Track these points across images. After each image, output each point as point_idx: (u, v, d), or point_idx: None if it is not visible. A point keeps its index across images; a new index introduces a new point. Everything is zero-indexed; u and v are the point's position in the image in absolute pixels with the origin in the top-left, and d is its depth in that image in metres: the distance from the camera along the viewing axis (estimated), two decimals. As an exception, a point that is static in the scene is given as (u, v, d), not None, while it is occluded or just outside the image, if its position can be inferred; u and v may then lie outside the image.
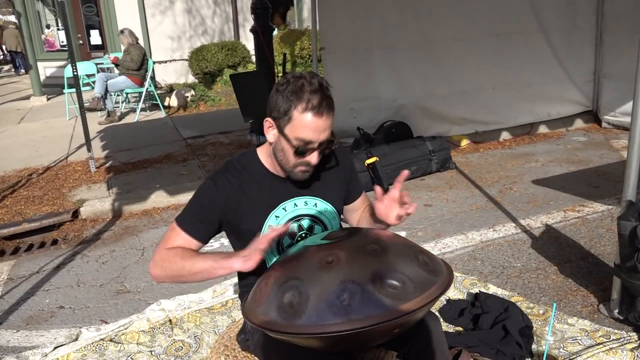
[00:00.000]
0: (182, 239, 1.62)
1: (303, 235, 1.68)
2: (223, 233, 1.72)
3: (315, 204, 1.70)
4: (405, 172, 1.59)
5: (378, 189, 1.62)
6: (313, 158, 1.57)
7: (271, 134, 1.60)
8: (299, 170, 1.60)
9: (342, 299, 1.24)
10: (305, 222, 1.68)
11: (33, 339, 2.73)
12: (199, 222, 1.63)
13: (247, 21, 11.10)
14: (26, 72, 14.14)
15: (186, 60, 10.82)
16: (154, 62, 9.53)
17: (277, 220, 1.65)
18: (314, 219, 1.70)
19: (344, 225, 1.80)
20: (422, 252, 1.43)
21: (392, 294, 1.25)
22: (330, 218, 1.73)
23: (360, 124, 5.00)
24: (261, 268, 1.62)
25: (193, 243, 1.63)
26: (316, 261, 1.35)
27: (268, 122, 1.59)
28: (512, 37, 5.70)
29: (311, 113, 1.50)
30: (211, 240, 1.73)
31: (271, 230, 1.49)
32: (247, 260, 1.47)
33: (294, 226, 1.67)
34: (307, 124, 1.51)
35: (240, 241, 1.63)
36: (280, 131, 1.55)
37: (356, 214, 1.89)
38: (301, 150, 1.55)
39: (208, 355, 2.42)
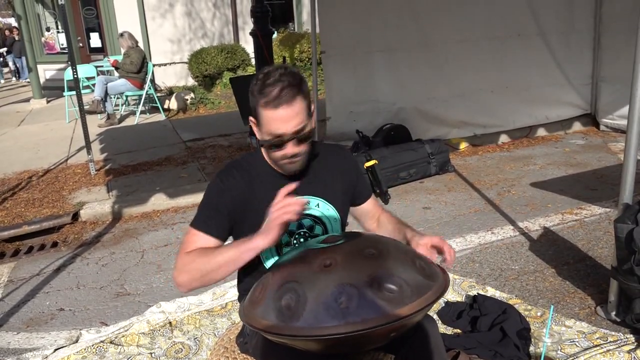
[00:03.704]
0: (200, 239, 1.61)
1: (302, 233, 1.69)
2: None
3: (318, 205, 1.71)
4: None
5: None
6: (288, 149, 1.57)
7: (257, 132, 1.63)
8: (284, 163, 1.61)
9: (340, 301, 1.25)
10: (306, 221, 1.70)
11: (33, 341, 2.74)
12: (213, 220, 1.63)
13: (247, 24, 11.12)
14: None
15: (186, 63, 10.84)
16: (153, 65, 9.55)
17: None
18: (315, 219, 1.71)
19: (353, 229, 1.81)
20: (419, 257, 1.44)
21: (389, 297, 1.27)
22: (331, 219, 1.74)
23: (359, 127, 5.02)
24: (259, 271, 1.64)
25: (211, 241, 1.62)
26: (314, 264, 1.36)
27: (252, 121, 1.63)
28: (510, 40, 5.72)
29: (270, 107, 1.52)
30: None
31: (283, 202, 1.46)
32: (268, 234, 1.47)
33: (294, 225, 1.68)
34: (270, 118, 1.53)
35: (242, 238, 1.64)
36: (259, 129, 1.60)
37: (370, 218, 1.89)
38: (275, 144, 1.56)
39: (208, 357, 2.43)
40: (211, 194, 1.65)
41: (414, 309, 1.27)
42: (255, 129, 1.63)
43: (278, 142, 1.55)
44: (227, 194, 1.63)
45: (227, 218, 1.64)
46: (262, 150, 1.71)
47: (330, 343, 1.30)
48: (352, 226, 1.88)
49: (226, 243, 1.63)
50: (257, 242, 1.50)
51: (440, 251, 1.57)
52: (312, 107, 1.64)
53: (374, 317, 1.23)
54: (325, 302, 1.26)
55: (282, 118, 1.52)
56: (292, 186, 1.50)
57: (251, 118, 1.62)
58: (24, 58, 13.83)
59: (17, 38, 14.41)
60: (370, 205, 1.89)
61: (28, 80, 13.69)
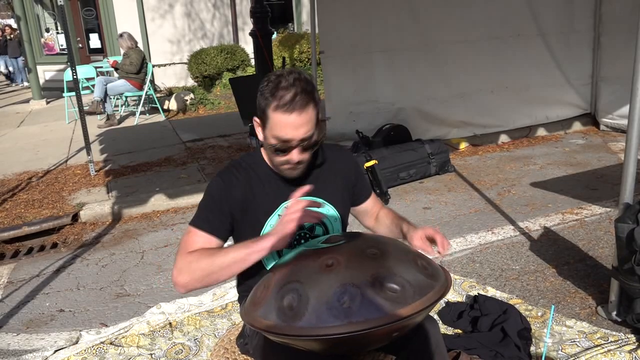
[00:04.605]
0: (202, 239, 1.59)
1: (303, 234, 1.69)
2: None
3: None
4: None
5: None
6: (293, 156, 1.56)
7: (259, 132, 1.62)
8: (285, 168, 1.61)
9: (342, 301, 1.25)
10: (306, 223, 1.69)
11: (33, 342, 2.73)
12: (215, 219, 1.61)
13: (247, 25, 11.12)
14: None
15: (185, 63, 10.84)
16: (153, 66, 9.55)
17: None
18: None
19: (357, 228, 1.81)
20: (421, 257, 1.44)
21: (392, 297, 1.26)
22: (332, 220, 1.74)
23: (359, 127, 5.02)
24: (260, 272, 1.63)
25: (213, 241, 1.60)
26: (316, 264, 1.36)
27: (255, 121, 1.62)
28: (510, 40, 5.73)
29: (282, 110, 1.49)
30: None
31: (296, 205, 1.48)
32: (279, 236, 1.47)
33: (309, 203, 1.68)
34: (280, 122, 1.50)
35: (242, 239, 1.63)
36: (263, 130, 1.58)
37: (369, 216, 1.90)
38: (280, 149, 1.55)
39: (208, 358, 2.43)
40: (212, 193, 1.64)
41: (416, 309, 1.26)
42: (258, 129, 1.62)
43: (283, 147, 1.54)
44: (229, 194, 1.62)
45: (229, 217, 1.63)
46: (262, 150, 1.71)
47: (332, 343, 1.29)
48: (353, 225, 1.88)
49: (225, 245, 1.63)
50: (266, 242, 1.49)
51: (433, 241, 1.59)
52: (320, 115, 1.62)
53: (376, 316, 1.23)
54: (327, 302, 1.26)
55: (293, 124, 1.50)
56: (305, 188, 1.51)
57: (256, 118, 1.60)
58: (19, 60, 13.74)
59: (9, 38, 13.96)
60: (370, 204, 1.90)
61: (24, 84, 13.58)
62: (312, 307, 1.26)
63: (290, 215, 1.48)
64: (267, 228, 1.64)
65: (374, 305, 1.24)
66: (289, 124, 1.50)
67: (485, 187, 4.61)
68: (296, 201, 1.48)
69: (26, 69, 11.82)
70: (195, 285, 1.55)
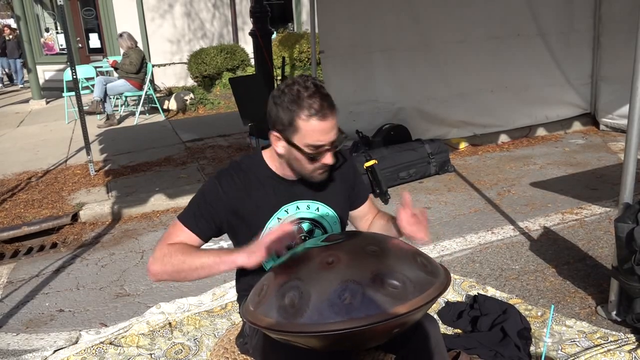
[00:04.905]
0: (184, 234, 1.62)
1: (303, 237, 1.69)
2: (223, 236, 1.73)
3: (317, 208, 1.71)
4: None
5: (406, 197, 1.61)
6: (328, 159, 1.57)
7: (280, 146, 1.58)
8: (319, 174, 1.61)
9: (343, 298, 1.26)
10: (305, 225, 1.69)
11: (33, 342, 2.73)
12: (202, 219, 1.62)
13: (246, 24, 11.12)
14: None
15: (185, 63, 10.84)
16: (153, 66, 9.54)
17: (280, 223, 1.65)
18: (315, 222, 1.71)
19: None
20: (420, 255, 1.44)
21: (392, 293, 1.27)
22: (332, 222, 1.74)
23: (359, 127, 5.02)
24: (260, 270, 1.63)
25: (195, 240, 1.62)
26: (317, 262, 1.36)
27: (274, 136, 1.58)
28: (510, 40, 5.73)
29: (315, 118, 1.49)
30: (209, 243, 1.73)
31: (278, 228, 1.47)
32: (252, 255, 1.46)
33: (294, 229, 1.68)
34: (314, 130, 1.50)
35: (241, 242, 1.64)
36: (289, 142, 1.54)
37: (364, 220, 1.89)
38: (314, 156, 1.54)
39: (207, 358, 2.43)
40: (206, 195, 1.64)
41: (417, 305, 1.27)
42: (279, 143, 1.57)
43: (319, 153, 1.54)
44: (224, 199, 1.62)
45: (217, 222, 1.64)
46: (263, 153, 1.70)
47: (333, 339, 1.30)
48: (351, 226, 1.88)
49: (223, 243, 1.63)
50: (238, 257, 1.49)
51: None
52: None
53: (378, 312, 1.24)
54: (328, 299, 1.26)
55: (326, 129, 1.51)
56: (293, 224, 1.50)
57: (274, 133, 1.56)
58: (18, 61, 13.70)
59: (7, 38, 13.86)
60: (366, 208, 1.88)
61: (22, 85, 13.55)
62: (313, 304, 1.27)
63: (268, 238, 1.46)
64: (267, 230, 1.64)
65: (375, 301, 1.25)
66: (324, 130, 1.51)
67: (485, 187, 4.61)
68: (277, 228, 1.47)
69: (24, 69, 11.80)
70: (165, 277, 1.58)
